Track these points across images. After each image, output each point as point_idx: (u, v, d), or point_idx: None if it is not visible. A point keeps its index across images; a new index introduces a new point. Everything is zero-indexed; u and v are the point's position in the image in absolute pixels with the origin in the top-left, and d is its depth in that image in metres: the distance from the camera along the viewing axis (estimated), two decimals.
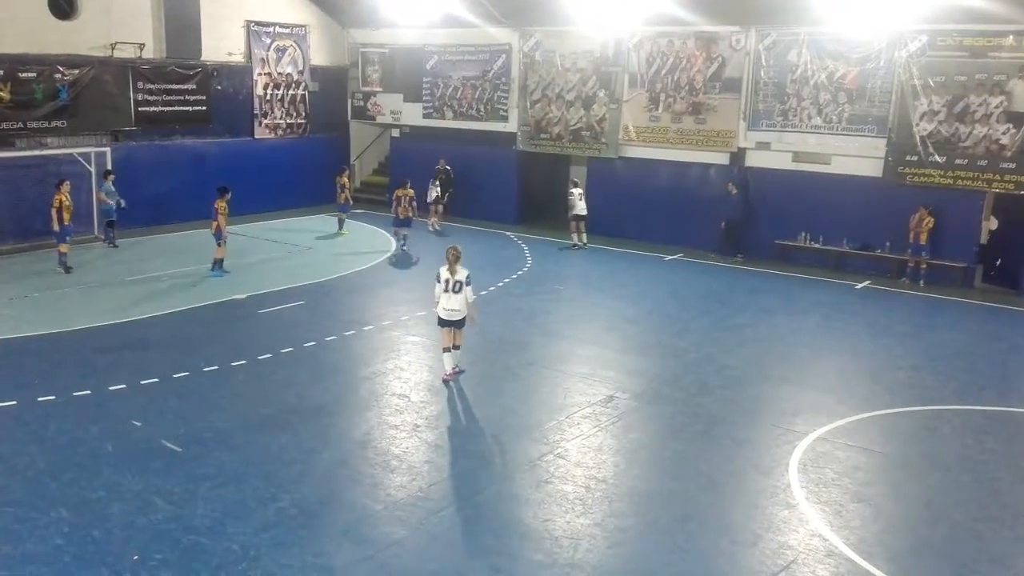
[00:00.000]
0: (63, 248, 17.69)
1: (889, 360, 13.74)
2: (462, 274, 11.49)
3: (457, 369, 11.98)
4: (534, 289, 17.56)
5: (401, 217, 20.77)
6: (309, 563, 7.50)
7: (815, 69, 19.82)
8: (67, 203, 17.67)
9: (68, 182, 18.12)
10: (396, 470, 9.36)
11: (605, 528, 8.27)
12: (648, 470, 9.73)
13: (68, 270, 17.58)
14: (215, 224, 17.28)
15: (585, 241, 21.46)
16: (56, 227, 17.53)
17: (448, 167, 24.48)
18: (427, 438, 10.26)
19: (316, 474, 9.22)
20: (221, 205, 17.27)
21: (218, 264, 17.61)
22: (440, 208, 23.68)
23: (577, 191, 21.43)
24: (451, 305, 11.53)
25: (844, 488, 9.21)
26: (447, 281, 11.49)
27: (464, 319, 11.70)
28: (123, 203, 19.91)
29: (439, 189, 23.59)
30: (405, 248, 20.60)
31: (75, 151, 20.49)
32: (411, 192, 20.85)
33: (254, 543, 7.76)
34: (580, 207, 21.31)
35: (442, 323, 11.78)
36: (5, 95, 19.59)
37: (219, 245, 17.48)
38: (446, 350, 11.92)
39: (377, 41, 26.90)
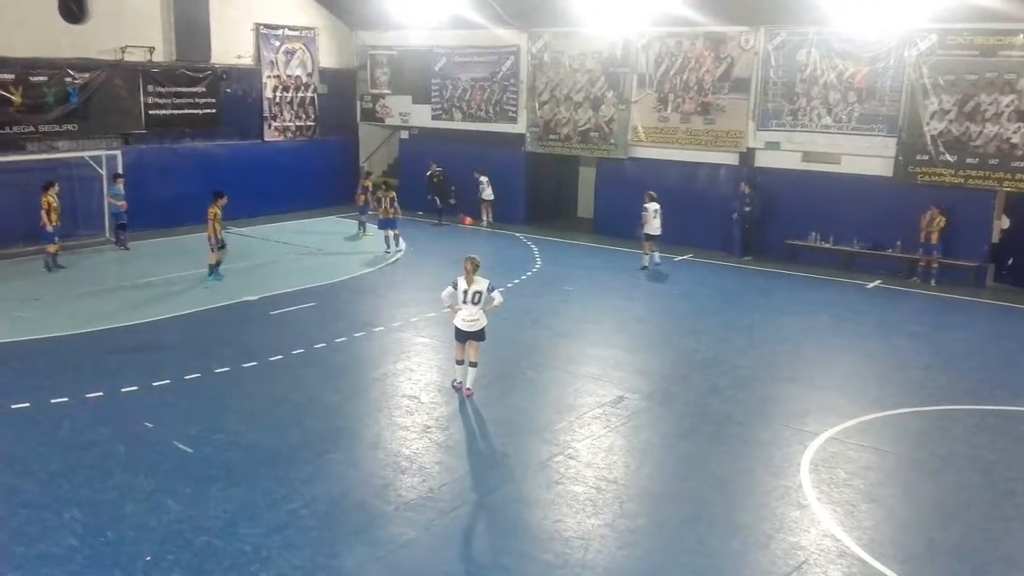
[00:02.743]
0: (51, 248, 17.93)
1: (900, 360, 13.68)
2: (482, 284, 11.08)
3: (470, 391, 11.41)
4: (544, 290, 17.55)
5: (382, 218, 20.69)
6: (320, 564, 7.51)
7: (824, 69, 19.75)
8: (55, 205, 17.81)
9: (56, 184, 18.18)
10: (407, 471, 9.37)
11: (616, 529, 8.26)
12: (658, 471, 9.72)
13: (54, 268, 17.88)
14: (209, 230, 17.25)
15: (658, 261, 19.42)
16: (49, 228, 17.74)
17: (440, 168, 24.71)
18: (437, 439, 10.27)
19: (327, 475, 9.24)
20: (214, 211, 17.11)
21: (211, 267, 17.52)
22: (490, 208, 24.57)
23: (652, 207, 19.13)
24: (471, 315, 11.13)
25: (856, 488, 9.18)
26: (465, 292, 11.09)
27: (483, 330, 11.24)
28: (123, 207, 20.05)
29: (489, 189, 24.32)
30: (388, 251, 20.38)
31: (86, 154, 20.58)
32: (392, 193, 20.75)
33: (265, 544, 7.79)
34: (653, 225, 19.10)
35: (460, 335, 11.25)
36: (16, 99, 19.72)
37: (212, 250, 17.38)
38: (459, 363, 11.53)
39: (385, 43, 26.94)
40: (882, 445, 10.37)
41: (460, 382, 11.60)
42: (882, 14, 18.75)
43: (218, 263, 17.52)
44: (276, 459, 9.53)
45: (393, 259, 20.05)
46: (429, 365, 12.87)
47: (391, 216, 20.56)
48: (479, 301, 11.13)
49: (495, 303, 11.30)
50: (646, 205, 19.20)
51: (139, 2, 21.90)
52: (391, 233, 20.61)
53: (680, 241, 21.65)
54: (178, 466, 9.30)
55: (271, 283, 17.32)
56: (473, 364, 11.41)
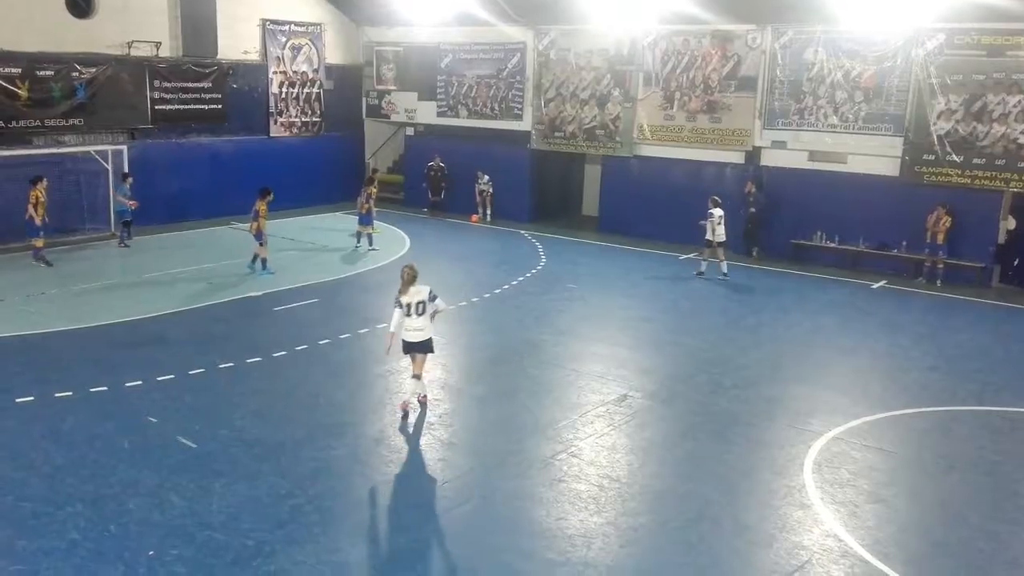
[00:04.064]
0: (37, 243, 17.89)
1: (905, 360, 13.65)
2: (423, 293, 10.53)
3: (421, 396, 11.05)
4: (548, 288, 17.54)
5: (360, 212, 20.57)
6: (323, 560, 7.52)
7: (831, 68, 19.71)
8: (42, 200, 17.80)
9: (45, 179, 18.13)
10: (410, 467, 9.37)
11: (618, 527, 8.26)
12: (662, 469, 9.70)
13: (39, 262, 17.84)
14: (254, 225, 17.24)
15: (725, 272, 18.42)
16: (36, 222, 17.67)
17: (443, 164, 25.31)
18: (441, 436, 10.28)
19: (331, 471, 9.25)
20: (262, 207, 17.12)
21: (263, 262, 17.51)
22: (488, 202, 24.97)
23: (717, 213, 18.29)
24: (417, 327, 10.55)
25: (859, 489, 9.17)
26: (408, 306, 10.50)
27: (430, 341, 10.70)
28: (132, 206, 19.98)
29: (488, 184, 24.74)
30: (373, 248, 20.27)
31: (92, 149, 20.64)
32: (371, 189, 20.53)
33: (269, 539, 7.80)
34: (718, 233, 18.29)
35: (407, 348, 10.69)
36: (23, 93, 19.76)
37: (261, 244, 17.40)
38: (417, 377, 10.86)
39: (392, 39, 26.94)
40: (886, 445, 10.34)
41: (407, 403, 10.97)
42: (889, 13, 18.69)
43: (261, 259, 17.47)
44: (280, 454, 9.54)
45: (364, 250, 20.13)
46: (433, 362, 12.79)
47: (364, 211, 20.34)
48: (423, 311, 10.63)
49: (439, 311, 10.90)
50: (711, 211, 18.35)
51: None
52: (361, 229, 20.42)
53: (685, 239, 21.63)
54: (182, 461, 9.31)
55: (275, 279, 17.32)
56: (417, 376, 10.83)
